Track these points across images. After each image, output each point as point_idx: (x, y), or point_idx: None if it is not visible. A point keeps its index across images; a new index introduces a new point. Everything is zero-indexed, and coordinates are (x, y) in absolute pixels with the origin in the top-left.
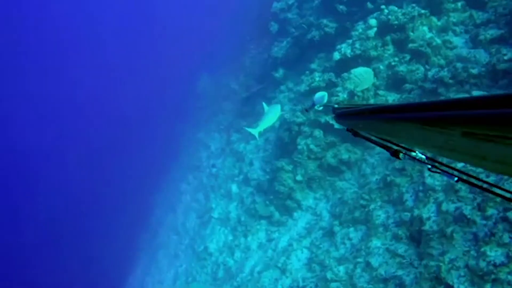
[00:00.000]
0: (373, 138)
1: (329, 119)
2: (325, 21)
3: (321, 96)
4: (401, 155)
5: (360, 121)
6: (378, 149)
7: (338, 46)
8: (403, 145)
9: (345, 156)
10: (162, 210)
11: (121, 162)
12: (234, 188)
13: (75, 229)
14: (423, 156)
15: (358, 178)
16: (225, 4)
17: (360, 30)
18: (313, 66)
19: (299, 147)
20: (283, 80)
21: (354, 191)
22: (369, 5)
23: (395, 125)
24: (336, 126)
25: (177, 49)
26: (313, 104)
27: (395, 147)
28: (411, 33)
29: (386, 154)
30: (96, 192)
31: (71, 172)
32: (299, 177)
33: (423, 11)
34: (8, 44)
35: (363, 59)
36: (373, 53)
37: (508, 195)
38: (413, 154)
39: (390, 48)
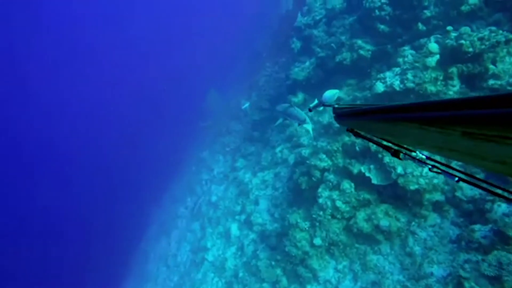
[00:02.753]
0: (373, 138)
1: (364, 169)
2: (359, 42)
3: (331, 95)
4: (401, 155)
5: (360, 121)
6: (432, 219)
7: (381, 75)
8: (403, 145)
9: (384, 222)
10: (157, 230)
11: (123, 171)
12: (234, 228)
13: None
14: (424, 156)
15: (402, 256)
16: (240, 15)
17: (410, 57)
18: (340, 94)
19: (320, 200)
20: (301, 106)
21: (396, 280)
22: (420, 26)
23: (395, 125)
24: (374, 181)
25: (186, 60)
26: (320, 103)
27: (396, 147)
28: (492, 66)
29: (446, 229)
30: (95, 199)
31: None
32: (317, 241)
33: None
34: (25, 45)
35: (416, 95)
36: (430, 88)
37: (508, 195)
38: (414, 154)
39: (456, 84)
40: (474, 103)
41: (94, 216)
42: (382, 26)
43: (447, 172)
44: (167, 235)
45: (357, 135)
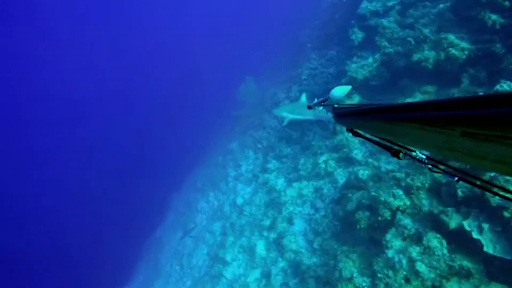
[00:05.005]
0: (373, 138)
1: (471, 226)
2: (451, 37)
3: (341, 92)
4: (401, 154)
5: (360, 121)
6: None
7: (499, 86)
8: (403, 145)
9: None
10: (174, 219)
11: (147, 154)
12: (260, 246)
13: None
14: (424, 156)
15: None
16: (282, 3)
17: None
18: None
19: (390, 253)
20: None
21: None
22: None
23: (395, 125)
24: (488, 248)
25: (225, 46)
26: (325, 99)
27: (396, 147)
28: None
29: None
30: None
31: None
32: None
33: None
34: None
35: None
36: None
37: (508, 195)
38: (413, 154)
39: None
40: (474, 103)
41: (113, 194)
42: (493, 17)
43: (447, 172)
44: (184, 228)
45: (356, 134)
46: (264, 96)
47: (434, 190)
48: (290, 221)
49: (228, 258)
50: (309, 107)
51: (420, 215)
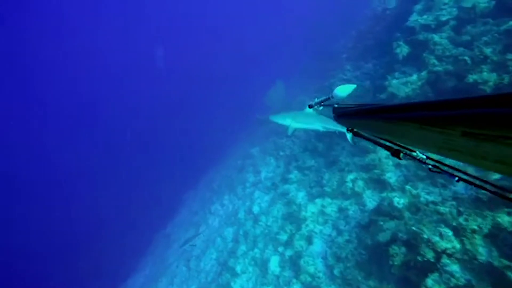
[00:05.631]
0: (373, 138)
1: None
2: None
3: (344, 90)
4: (401, 154)
5: (360, 120)
6: None
7: None
8: (403, 144)
9: None
10: (186, 218)
11: (165, 149)
12: (274, 262)
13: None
14: (424, 156)
15: None
16: (320, 13)
17: None
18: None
19: None
20: None
21: None
22: None
23: (395, 125)
24: None
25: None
26: (328, 98)
27: (396, 147)
28: None
29: None
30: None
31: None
32: None
33: None
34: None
35: None
36: None
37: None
38: (414, 154)
39: None
40: (474, 103)
41: (127, 186)
42: None
43: (447, 172)
44: (195, 228)
45: (357, 134)
46: (290, 103)
47: (495, 237)
48: (309, 240)
49: (238, 269)
50: (310, 106)
51: (473, 265)
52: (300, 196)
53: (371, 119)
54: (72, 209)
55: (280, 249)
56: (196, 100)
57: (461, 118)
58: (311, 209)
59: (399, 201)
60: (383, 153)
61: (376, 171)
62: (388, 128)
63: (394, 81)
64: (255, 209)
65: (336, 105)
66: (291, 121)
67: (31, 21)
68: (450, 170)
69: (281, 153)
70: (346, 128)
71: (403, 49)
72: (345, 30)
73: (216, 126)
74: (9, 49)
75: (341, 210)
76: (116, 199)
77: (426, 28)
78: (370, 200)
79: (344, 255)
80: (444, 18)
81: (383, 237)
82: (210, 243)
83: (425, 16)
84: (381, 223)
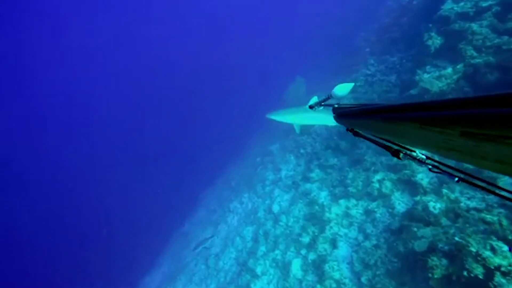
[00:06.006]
0: (373, 138)
1: None
2: None
3: (343, 89)
4: (401, 154)
5: (360, 120)
6: None
7: None
8: (403, 144)
9: None
10: (204, 216)
11: (183, 144)
12: (295, 265)
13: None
14: (423, 156)
15: None
16: (340, 6)
17: None
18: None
19: None
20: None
21: None
22: None
23: (396, 125)
24: None
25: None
26: (328, 98)
27: (396, 147)
28: None
29: None
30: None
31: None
32: None
33: None
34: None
35: None
36: None
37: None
38: (414, 154)
39: None
40: (474, 103)
41: (145, 181)
42: None
43: (447, 172)
44: (214, 226)
45: (356, 134)
46: (309, 100)
47: None
48: (333, 243)
49: (258, 270)
50: (311, 107)
51: None
52: (323, 196)
53: (371, 119)
54: (91, 207)
55: (303, 251)
56: (214, 97)
57: (460, 118)
58: (335, 210)
59: (435, 205)
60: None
61: (406, 171)
62: (388, 128)
63: (426, 75)
64: (275, 208)
65: (336, 105)
66: (290, 118)
67: (38, 21)
68: (450, 170)
69: (302, 151)
70: (346, 128)
71: (435, 41)
72: (367, 23)
73: (234, 123)
74: (20, 49)
75: (367, 212)
76: (133, 196)
77: (463, 16)
78: (400, 202)
79: (372, 261)
80: (485, 4)
81: (419, 245)
82: (229, 242)
83: (462, 4)
84: (415, 229)
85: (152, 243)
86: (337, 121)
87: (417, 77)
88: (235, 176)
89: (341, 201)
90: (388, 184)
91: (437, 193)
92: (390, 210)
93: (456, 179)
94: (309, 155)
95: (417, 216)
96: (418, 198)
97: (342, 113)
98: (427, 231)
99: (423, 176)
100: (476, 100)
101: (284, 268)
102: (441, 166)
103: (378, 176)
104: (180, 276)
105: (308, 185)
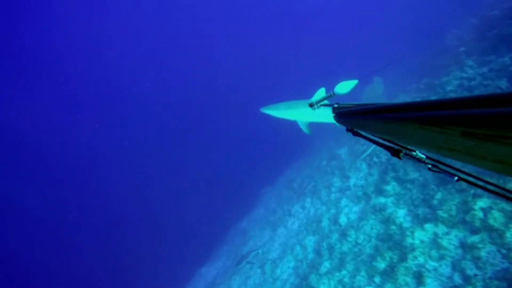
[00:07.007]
0: (373, 138)
1: None
2: None
3: (345, 87)
4: (401, 154)
5: (360, 120)
6: None
7: None
8: (403, 144)
9: None
10: (263, 215)
11: (249, 140)
12: None
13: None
14: (423, 156)
15: None
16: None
17: None
18: None
19: None
20: None
21: None
22: None
23: (396, 125)
24: None
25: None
26: (329, 96)
27: (396, 147)
28: None
29: None
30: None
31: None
32: None
33: None
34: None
35: None
36: None
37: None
38: (414, 153)
39: None
40: (474, 103)
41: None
42: None
43: (447, 172)
44: (273, 229)
45: (356, 134)
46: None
47: None
48: (418, 278)
49: None
50: (311, 105)
51: None
52: (401, 215)
53: (371, 119)
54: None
55: (377, 279)
56: (280, 95)
57: (460, 118)
58: (420, 235)
59: None
60: None
61: None
62: (388, 128)
63: None
64: (343, 220)
65: (336, 105)
66: (290, 113)
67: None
68: (450, 170)
69: (375, 159)
70: (346, 128)
71: None
72: (460, 18)
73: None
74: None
75: (465, 246)
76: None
77: None
78: None
79: None
80: None
81: None
82: (288, 249)
83: None
84: None
85: (211, 235)
86: (337, 121)
87: None
88: (298, 178)
89: (427, 226)
90: (497, 215)
91: None
92: (503, 250)
93: (456, 178)
94: (383, 165)
95: None
96: None
97: (342, 113)
98: None
99: None
100: (476, 100)
101: None
102: (440, 166)
103: (481, 203)
104: (235, 276)
105: (382, 199)
